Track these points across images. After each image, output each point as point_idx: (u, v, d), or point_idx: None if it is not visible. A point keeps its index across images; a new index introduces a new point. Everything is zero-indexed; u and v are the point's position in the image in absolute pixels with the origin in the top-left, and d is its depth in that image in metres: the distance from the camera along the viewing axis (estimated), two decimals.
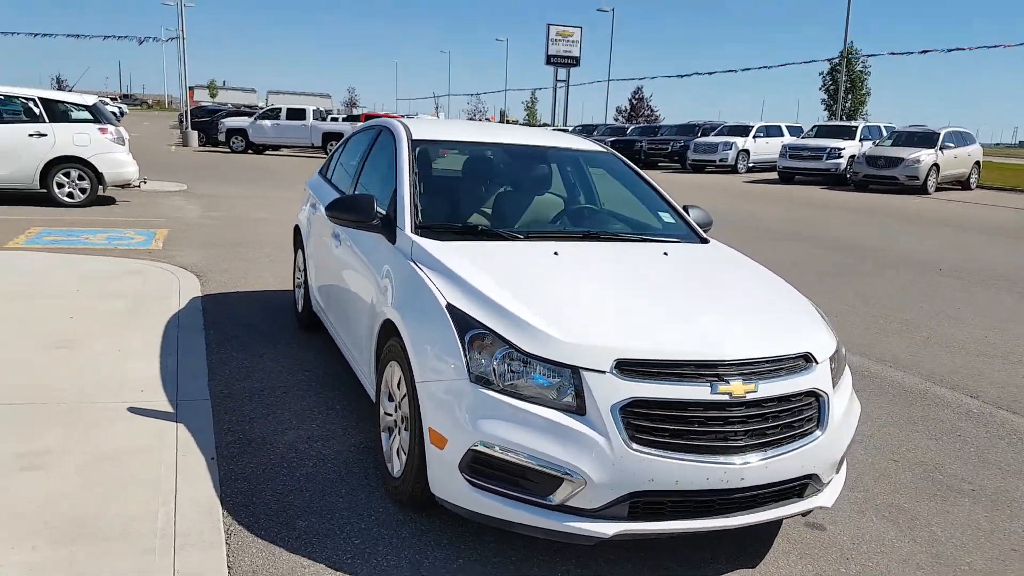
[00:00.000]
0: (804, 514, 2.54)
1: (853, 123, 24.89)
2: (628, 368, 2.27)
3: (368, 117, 22.50)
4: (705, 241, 3.55)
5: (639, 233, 3.54)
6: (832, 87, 39.00)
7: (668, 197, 3.87)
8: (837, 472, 2.64)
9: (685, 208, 3.81)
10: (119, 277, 5.91)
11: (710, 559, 2.57)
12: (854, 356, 5.06)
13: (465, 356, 2.38)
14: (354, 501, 2.82)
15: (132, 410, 3.39)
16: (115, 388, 3.65)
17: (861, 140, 21.65)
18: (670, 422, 2.25)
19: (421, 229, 3.09)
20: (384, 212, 3.28)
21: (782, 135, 25.27)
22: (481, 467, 2.32)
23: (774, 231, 11.26)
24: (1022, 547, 2.79)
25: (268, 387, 3.92)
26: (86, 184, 10.00)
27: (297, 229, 5.13)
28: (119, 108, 42.53)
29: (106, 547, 2.35)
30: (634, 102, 62.49)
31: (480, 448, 2.29)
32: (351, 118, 28.24)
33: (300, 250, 5.03)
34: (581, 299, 2.58)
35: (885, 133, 22.06)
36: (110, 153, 10.08)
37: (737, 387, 2.30)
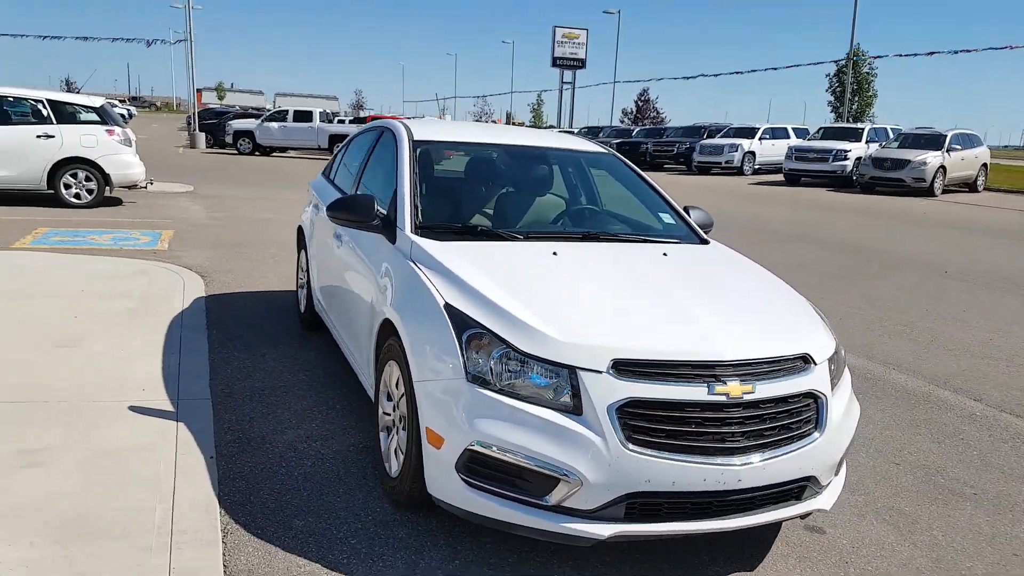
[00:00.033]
0: (803, 517, 2.53)
1: (859, 125, 24.78)
2: (625, 368, 2.26)
3: (374, 119, 22.56)
4: (705, 242, 3.54)
5: (639, 234, 3.53)
6: (838, 89, 38.82)
7: (669, 198, 3.87)
8: (836, 474, 2.62)
9: (686, 209, 3.81)
10: (124, 277, 5.94)
11: (707, 562, 2.56)
12: (857, 358, 5.03)
13: (462, 355, 2.38)
14: (352, 501, 2.82)
15: (133, 409, 3.41)
16: (117, 387, 3.67)
17: (867, 142, 21.57)
18: (667, 423, 2.24)
19: (421, 229, 3.09)
20: (385, 212, 3.29)
21: (788, 137, 25.20)
22: (477, 467, 2.32)
23: (780, 233, 11.22)
24: None
25: (269, 386, 3.93)
26: (93, 185, 10.05)
27: (300, 230, 5.15)
28: (128, 110, 42.81)
29: (103, 544, 2.36)
30: (640, 104, 62.49)
31: (476, 448, 2.29)
32: (357, 120, 28.34)
33: (303, 251, 5.05)
34: (579, 299, 2.57)
35: (892, 135, 21.98)
36: (117, 154, 10.14)
37: (734, 388, 2.29)
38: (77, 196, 10.02)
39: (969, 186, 20.66)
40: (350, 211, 3.24)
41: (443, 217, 3.34)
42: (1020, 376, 4.86)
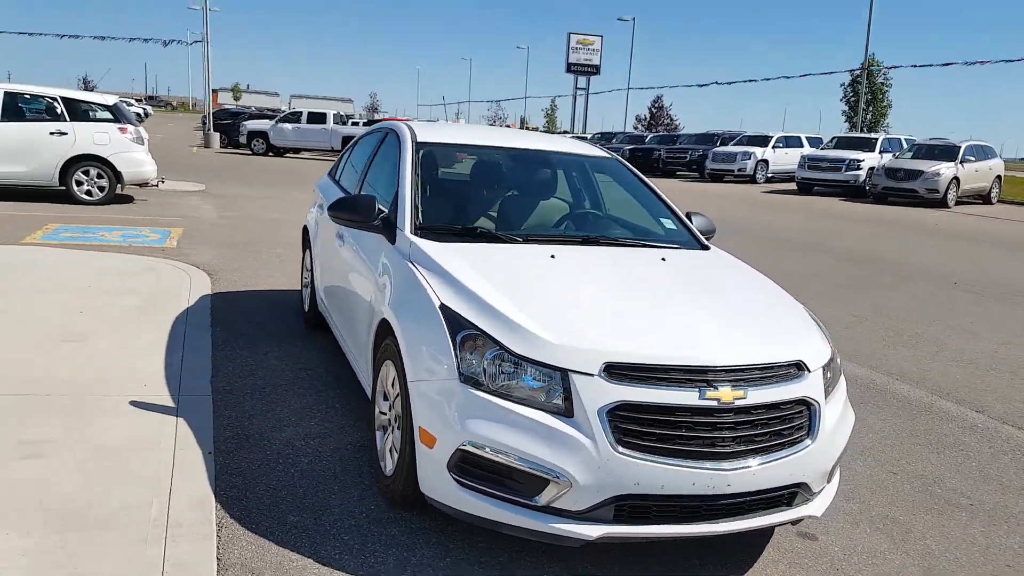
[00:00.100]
0: (794, 523, 2.53)
1: (873, 135, 24.66)
2: (616, 372, 2.28)
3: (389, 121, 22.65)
4: (706, 248, 3.55)
5: (639, 238, 3.54)
6: (853, 98, 38.66)
7: (671, 204, 3.87)
8: (828, 482, 2.62)
9: (688, 215, 3.81)
10: (132, 274, 6.01)
11: (698, 565, 2.56)
12: (862, 368, 5.01)
13: (456, 356, 2.40)
14: (346, 498, 2.84)
15: (135, 404, 3.45)
16: (120, 382, 3.72)
17: (881, 152, 21.45)
18: (657, 426, 2.25)
19: (420, 230, 3.12)
20: (386, 213, 3.32)
21: (801, 146, 25.11)
22: (469, 467, 2.34)
23: (791, 241, 11.18)
24: (1017, 564, 2.75)
25: (270, 384, 3.97)
26: (104, 182, 10.17)
27: (305, 230, 5.20)
28: (144, 109, 43.22)
29: (99, 535, 2.40)
30: (654, 111, 62.44)
31: (468, 448, 2.31)
32: (371, 123, 28.49)
33: (308, 250, 5.09)
34: (573, 302, 2.59)
35: (905, 145, 21.85)
36: (129, 152, 10.26)
37: (726, 393, 2.30)
38: (89, 193, 10.14)
39: (983, 198, 20.51)
40: (351, 211, 3.27)
41: (443, 218, 3.37)
42: None
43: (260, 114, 34.52)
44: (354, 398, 3.84)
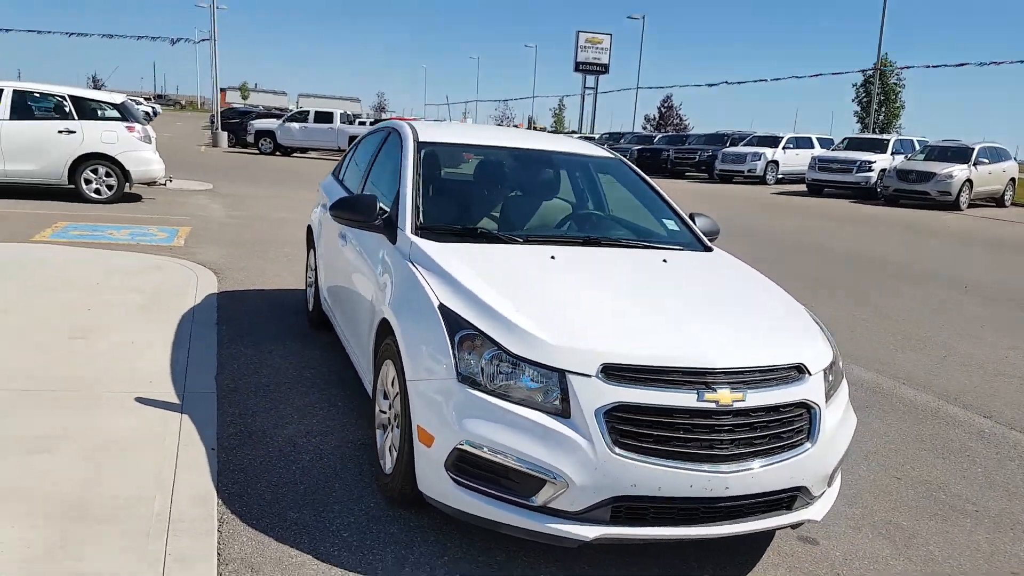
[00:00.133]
0: (793, 527, 2.52)
1: (885, 136, 24.49)
2: (614, 372, 2.27)
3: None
4: (709, 249, 3.54)
5: (642, 240, 3.53)
6: (865, 99, 38.44)
7: (674, 205, 3.86)
8: (829, 486, 2.60)
9: (691, 216, 3.80)
10: (139, 272, 6.05)
11: (696, 568, 2.56)
12: (867, 372, 4.98)
13: (454, 356, 2.40)
14: (346, 495, 2.85)
15: (140, 400, 3.47)
16: (125, 379, 3.74)
17: (893, 154, 21.28)
18: (655, 428, 2.25)
19: (421, 230, 3.12)
20: (387, 213, 3.32)
21: (812, 147, 24.96)
22: (466, 466, 2.34)
23: (800, 244, 11.13)
24: (1022, 571, 2.72)
25: (274, 382, 3.99)
26: (113, 181, 10.24)
27: (310, 229, 5.22)
28: (152, 108, 43.44)
29: (102, 529, 2.42)
30: (663, 110, 62.32)
31: (465, 447, 2.31)
32: (377, 122, 28.51)
33: (312, 250, 5.11)
34: (572, 303, 2.59)
35: (918, 147, 21.68)
36: (137, 151, 10.33)
37: (724, 395, 2.29)
38: (97, 191, 10.22)
39: (996, 200, 20.31)
40: (352, 211, 3.28)
41: (444, 218, 3.37)
42: None
43: (268, 113, 34.62)
44: (356, 397, 3.85)
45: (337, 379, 4.11)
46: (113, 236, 7.80)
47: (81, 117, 10.05)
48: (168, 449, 3.03)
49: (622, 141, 33.10)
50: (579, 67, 46.26)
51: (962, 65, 29.19)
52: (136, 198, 11.09)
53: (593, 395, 2.24)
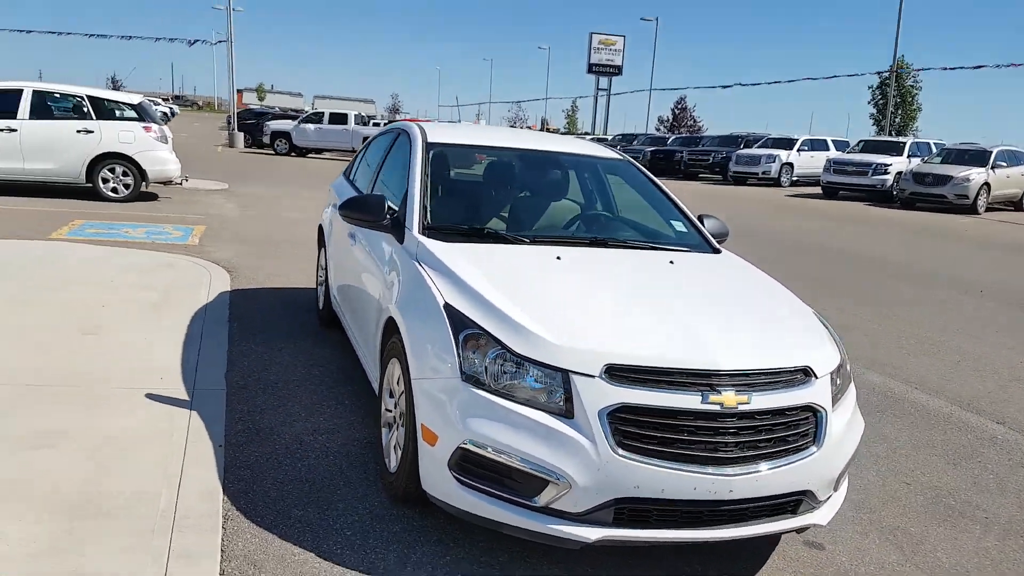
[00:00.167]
0: (799, 531, 2.50)
1: (901, 139, 24.24)
2: (618, 373, 2.27)
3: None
4: (717, 251, 3.52)
5: (649, 241, 3.52)
6: (881, 101, 38.07)
7: (682, 206, 3.85)
8: (835, 490, 2.58)
9: (700, 218, 3.78)
10: (153, 270, 6.11)
11: (700, 571, 2.54)
12: (879, 376, 4.93)
13: (459, 355, 2.41)
14: (351, 494, 2.87)
15: (149, 396, 3.51)
16: (136, 375, 3.78)
17: (909, 156, 21.07)
18: (658, 430, 2.24)
19: (429, 230, 3.13)
20: (396, 212, 3.34)
21: (827, 149, 24.75)
22: (469, 465, 2.34)
23: (814, 246, 11.04)
24: None
25: (282, 380, 4.01)
26: (130, 180, 10.37)
27: (321, 229, 5.25)
28: (170, 109, 43.83)
29: (107, 524, 2.44)
30: (677, 112, 62.03)
31: (468, 447, 2.31)
32: (391, 123, 28.61)
33: (323, 249, 5.14)
34: (577, 303, 2.58)
35: (934, 150, 21.44)
36: (153, 151, 10.45)
37: (729, 398, 2.27)
38: (114, 190, 10.34)
39: (1015, 204, 20.03)
40: (361, 210, 3.30)
41: (452, 219, 3.38)
42: None
43: (284, 114, 34.89)
44: (363, 395, 3.87)
45: (346, 377, 4.13)
46: (129, 234, 7.89)
47: (99, 117, 10.19)
48: (176, 445, 3.06)
49: (635, 143, 33.00)
50: (592, 69, 46.24)
51: (980, 67, 28.92)
52: (152, 197, 11.21)
53: (597, 396, 2.23)
